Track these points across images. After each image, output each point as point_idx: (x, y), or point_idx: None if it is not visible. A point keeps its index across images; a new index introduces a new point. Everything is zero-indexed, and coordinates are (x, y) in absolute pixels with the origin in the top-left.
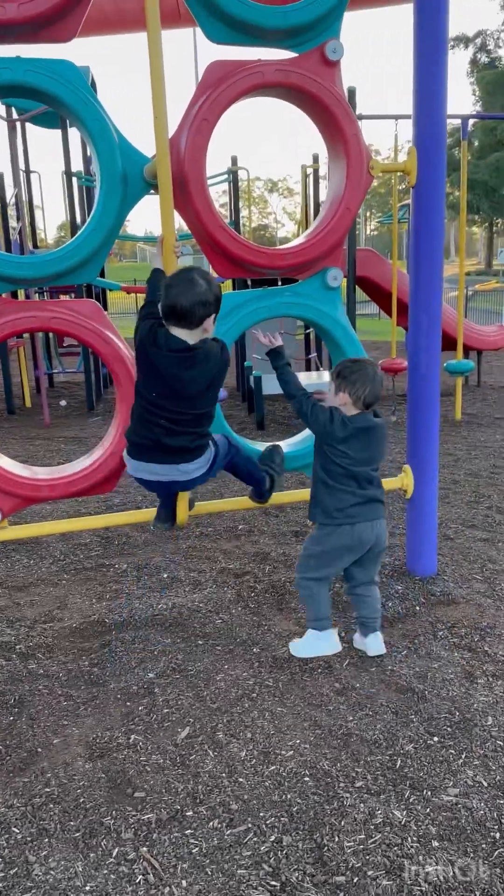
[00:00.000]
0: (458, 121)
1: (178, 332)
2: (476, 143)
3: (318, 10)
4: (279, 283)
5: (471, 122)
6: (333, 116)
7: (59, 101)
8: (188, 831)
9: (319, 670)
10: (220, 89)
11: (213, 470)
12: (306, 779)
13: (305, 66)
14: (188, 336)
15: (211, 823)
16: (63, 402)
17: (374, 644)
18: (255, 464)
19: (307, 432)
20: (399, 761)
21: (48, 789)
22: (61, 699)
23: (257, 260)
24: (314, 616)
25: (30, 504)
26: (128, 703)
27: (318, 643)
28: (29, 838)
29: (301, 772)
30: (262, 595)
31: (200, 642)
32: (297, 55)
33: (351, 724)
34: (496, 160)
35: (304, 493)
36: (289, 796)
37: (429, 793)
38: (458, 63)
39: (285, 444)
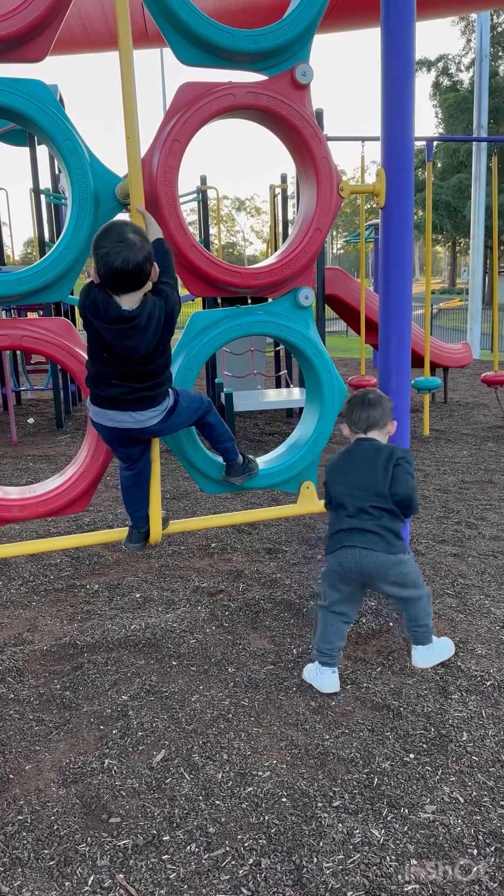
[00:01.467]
0: (423, 143)
1: (119, 297)
2: (439, 165)
3: (288, 34)
4: (248, 301)
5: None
6: (303, 138)
7: (30, 120)
8: (165, 856)
9: (295, 689)
10: (191, 111)
11: (172, 420)
12: (284, 799)
13: (275, 89)
14: (130, 299)
15: (188, 847)
16: (31, 420)
17: (415, 656)
18: (228, 432)
19: (282, 449)
20: (376, 779)
21: (21, 817)
22: (33, 724)
23: (231, 279)
24: (313, 644)
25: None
26: (101, 727)
27: (313, 673)
28: (1, 868)
29: (278, 793)
30: (236, 614)
31: (174, 663)
32: (267, 78)
33: (327, 743)
34: (458, 181)
35: (277, 511)
36: (266, 818)
37: (406, 810)
38: (420, 86)
39: (261, 461)
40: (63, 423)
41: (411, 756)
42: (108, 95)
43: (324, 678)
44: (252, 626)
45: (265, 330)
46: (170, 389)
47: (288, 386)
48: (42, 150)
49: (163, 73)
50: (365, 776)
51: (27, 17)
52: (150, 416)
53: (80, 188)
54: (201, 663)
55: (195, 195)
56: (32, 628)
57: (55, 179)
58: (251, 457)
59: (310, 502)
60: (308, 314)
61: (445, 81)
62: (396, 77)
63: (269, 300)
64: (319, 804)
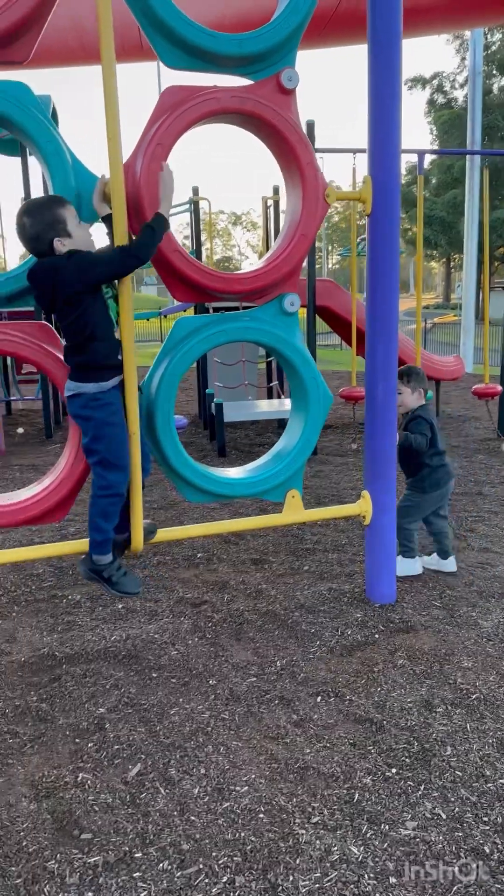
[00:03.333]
0: (416, 158)
1: None
2: (433, 181)
3: (273, 39)
4: (240, 307)
5: (428, 160)
6: (288, 143)
7: (12, 122)
8: (136, 874)
9: (277, 702)
10: (175, 114)
11: (85, 411)
12: (261, 815)
13: (261, 94)
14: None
15: (161, 865)
16: (20, 430)
17: (451, 564)
18: (104, 519)
19: (267, 457)
20: (357, 795)
21: None
22: (6, 736)
23: (214, 284)
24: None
25: None
26: (77, 740)
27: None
28: None
29: (256, 808)
30: (219, 625)
31: (154, 675)
32: (253, 82)
33: (308, 758)
34: (453, 197)
35: (263, 520)
36: (242, 834)
37: (386, 827)
38: (415, 103)
39: (244, 470)
40: (52, 434)
41: (393, 771)
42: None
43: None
44: (235, 637)
45: (249, 336)
46: (96, 380)
47: (279, 397)
48: (33, 161)
49: (159, 85)
50: (345, 792)
51: (9, 18)
52: (68, 385)
53: (62, 189)
54: (182, 675)
55: (187, 206)
56: (11, 639)
57: (46, 190)
58: (124, 571)
59: (295, 511)
60: (294, 321)
61: (440, 99)
62: (383, 84)
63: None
64: (297, 820)
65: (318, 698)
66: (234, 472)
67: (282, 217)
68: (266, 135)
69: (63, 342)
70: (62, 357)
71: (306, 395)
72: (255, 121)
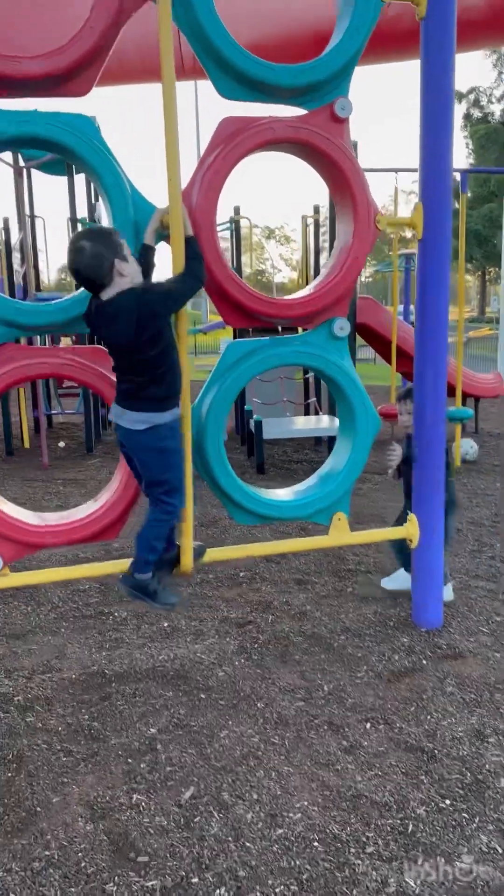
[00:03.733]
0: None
1: (98, 294)
2: (469, 195)
3: (328, 70)
4: (279, 330)
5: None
6: (342, 171)
7: (74, 154)
8: None
9: (326, 728)
10: (231, 144)
11: (154, 443)
12: (315, 844)
13: (315, 123)
14: (105, 294)
15: (218, 892)
16: (62, 444)
17: (449, 592)
18: (160, 543)
19: (313, 479)
20: (411, 825)
21: (48, 852)
22: (61, 755)
23: (267, 310)
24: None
25: (32, 551)
26: (129, 761)
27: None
28: None
29: (310, 836)
30: (265, 646)
31: (203, 696)
32: (306, 112)
33: (360, 786)
34: (489, 210)
35: (309, 542)
36: (298, 862)
37: (442, 859)
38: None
39: (291, 492)
40: (93, 448)
41: (447, 802)
42: (134, 124)
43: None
44: (281, 660)
45: (300, 360)
46: (171, 407)
47: (317, 413)
48: (79, 180)
49: (196, 104)
50: (399, 821)
51: (73, 54)
52: (135, 418)
53: (121, 219)
54: (230, 697)
55: (228, 225)
56: (61, 655)
57: (91, 209)
58: (163, 586)
59: (342, 534)
60: (343, 345)
61: (476, 113)
62: (435, 111)
63: (301, 330)
64: (352, 850)
65: (368, 725)
66: (281, 494)
67: (322, 235)
68: (319, 163)
69: (122, 376)
70: (124, 390)
71: (354, 418)
72: (309, 149)
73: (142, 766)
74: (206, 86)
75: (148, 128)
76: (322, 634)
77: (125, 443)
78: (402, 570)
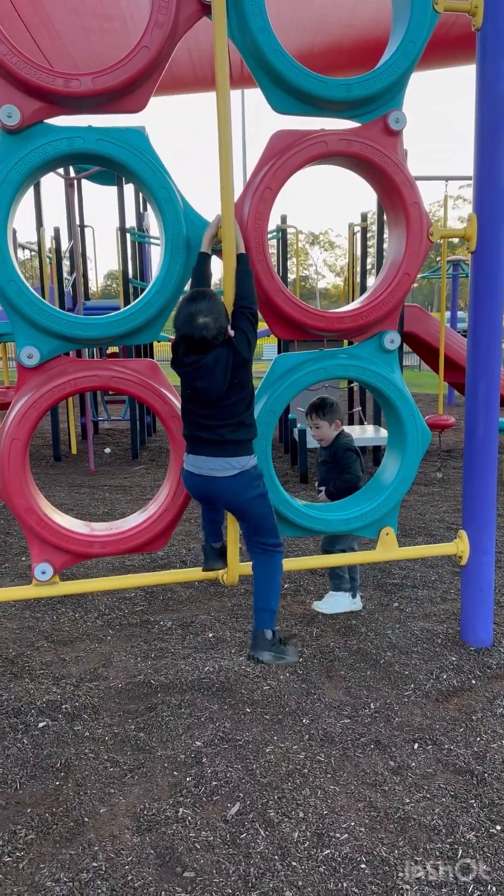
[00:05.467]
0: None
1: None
2: None
3: (382, 83)
4: (324, 341)
5: None
6: (394, 184)
7: (126, 169)
8: None
9: (372, 746)
10: (283, 158)
11: (242, 487)
12: (363, 866)
13: (368, 136)
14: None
15: None
16: (108, 450)
17: (359, 603)
18: (276, 590)
19: (359, 493)
20: (460, 851)
21: (95, 864)
22: (108, 765)
23: (316, 324)
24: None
25: (81, 560)
26: (175, 773)
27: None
28: None
29: (357, 857)
30: (309, 661)
31: (248, 710)
32: (359, 125)
33: (408, 808)
34: None
35: (357, 556)
36: (345, 884)
37: (494, 888)
38: None
39: (339, 505)
40: (139, 454)
41: (498, 828)
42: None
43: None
44: (327, 675)
45: (349, 374)
46: (253, 452)
47: (362, 422)
48: (128, 190)
49: (242, 113)
50: (448, 846)
51: (127, 71)
52: (221, 464)
53: (173, 234)
54: (275, 712)
55: (275, 233)
56: (107, 664)
57: (139, 218)
58: (288, 641)
59: (389, 549)
60: (393, 358)
61: None
62: (490, 121)
63: (346, 343)
64: (401, 874)
65: (416, 745)
66: (328, 508)
67: (369, 242)
68: (371, 175)
69: (203, 423)
70: (206, 438)
71: (404, 431)
72: (361, 162)
73: (188, 779)
74: (250, 94)
75: (190, 137)
76: (368, 650)
77: (207, 491)
78: (333, 593)
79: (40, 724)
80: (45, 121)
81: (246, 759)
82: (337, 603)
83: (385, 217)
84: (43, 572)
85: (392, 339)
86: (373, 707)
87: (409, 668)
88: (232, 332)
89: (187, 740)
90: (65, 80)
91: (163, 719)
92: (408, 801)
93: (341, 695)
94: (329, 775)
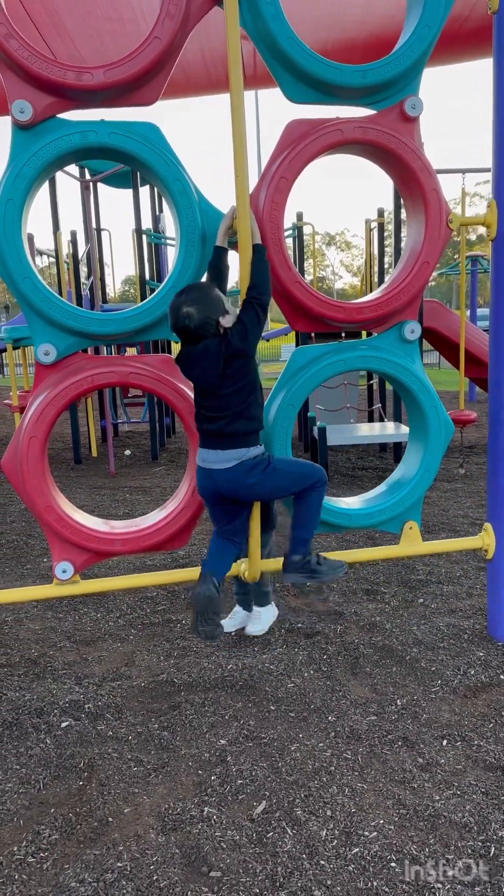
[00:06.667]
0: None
1: None
2: None
3: (397, 68)
4: (342, 334)
5: None
6: (412, 171)
7: (140, 162)
8: None
9: (400, 743)
10: (299, 147)
11: (258, 478)
12: (393, 864)
13: (384, 123)
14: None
15: None
16: (128, 452)
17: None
18: (315, 522)
19: (383, 487)
20: (493, 848)
21: (120, 864)
22: (131, 764)
23: (335, 315)
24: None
25: (102, 559)
26: (199, 772)
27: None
28: None
29: (387, 856)
30: (334, 658)
31: (272, 707)
32: (375, 112)
33: (438, 805)
34: None
35: (380, 552)
36: (375, 883)
37: None
38: None
39: (360, 500)
40: (158, 455)
41: None
42: (196, 132)
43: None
44: (352, 671)
45: (369, 365)
46: (256, 443)
47: (382, 420)
48: (144, 192)
49: (257, 113)
50: (480, 844)
51: (139, 63)
52: (220, 457)
53: (189, 227)
54: (300, 710)
55: (291, 231)
56: (130, 663)
57: (156, 220)
58: (324, 560)
59: (413, 543)
60: (414, 348)
61: None
62: None
63: (365, 334)
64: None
65: (444, 742)
66: (350, 503)
67: (386, 239)
68: (388, 163)
69: (208, 415)
70: (211, 430)
71: (426, 424)
72: (378, 150)
73: (212, 777)
74: (263, 96)
75: (205, 134)
76: (393, 647)
77: (210, 484)
78: (259, 609)
79: (63, 724)
80: (58, 115)
81: (271, 757)
82: (266, 617)
83: (403, 211)
84: (64, 571)
85: (412, 329)
86: (399, 704)
87: (436, 664)
88: (226, 324)
89: (211, 738)
90: (76, 73)
91: (186, 718)
92: (437, 798)
93: (367, 692)
94: (356, 773)
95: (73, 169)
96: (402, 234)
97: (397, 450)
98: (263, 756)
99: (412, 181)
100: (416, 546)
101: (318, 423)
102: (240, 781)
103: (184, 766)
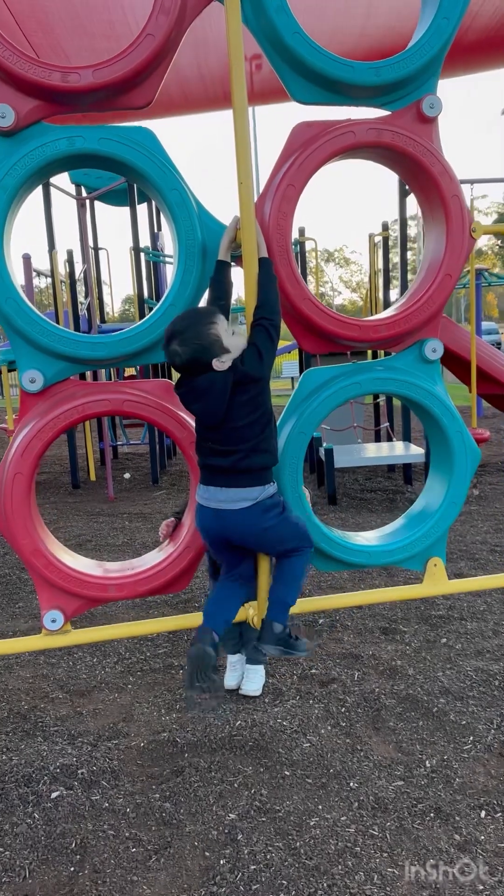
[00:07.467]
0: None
1: None
2: None
3: (414, 64)
4: (348, 355)
5: None
6: (431, 175)
7: (134, 169)
8: None
9: (432, 815)
10: (308, 152)
11: (264, 522)
12: None
13: (400, 124)
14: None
15: None
16: (127, 475)
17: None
18: (297, 591)
19: (402, 521)
20: None
21: None
22: (129, 844)
23: (348, 333)
24: None
25: (95, 605)
26: (207, 854)
27: None
28: None
29: None
30: (353, 710)
31: (287, 773)
32: (389, 113)
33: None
34: None
35: (402, 592)
36: None
37: None
38: None
39: (378, 536)
40: (159, 478)
41: None
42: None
43: None
44: (373, 726)
45: (386, 388)
46: (271, 480)
47: (390, 439)
48: (141, 210)
49: (254, 128)
50: None
51: (131, 61)
52: (233, 496)
53: (187, 240)
54: (318, 775)
55: (293, 247)
56: (128, 718)
57: (153, 238)
58: (300, 636)
59: (438, 582)
60: (435, 369)
61: None
62: None
63: (384, 354)
64: None
65: (483, 812)
66: (368, 538)
67: (390, 253)
68: (405, 168)
69: (214, 448)
70: (217, 466)
71: (450, 451)
72: (393, 154)
73: (221, 861)
74: (265, 110)
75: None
76: (418, 696)
77: (217, 525)
78: (251, 667)
79: (53, 795)
80: (43, 121)
81: (288, 835)
82: (260, 676)
83: (409, 224)
84: (53, 620)
85: (434, 348)
86: (429, 765)
87: (467, 717)
88: (223, 362)
89: (219, 812)
90: (62, 73)
91: (191, 786)
92: (481, 888)
93: (392, 751)
94: (385, 854)
95: (69, 186)
96: (409, 245)
97: (406, 470)
98: (279, 834)
99: (431, 187)
100: (442, 585)
101: (324, 444)
102: (253, 867)
103: (189, 847)
